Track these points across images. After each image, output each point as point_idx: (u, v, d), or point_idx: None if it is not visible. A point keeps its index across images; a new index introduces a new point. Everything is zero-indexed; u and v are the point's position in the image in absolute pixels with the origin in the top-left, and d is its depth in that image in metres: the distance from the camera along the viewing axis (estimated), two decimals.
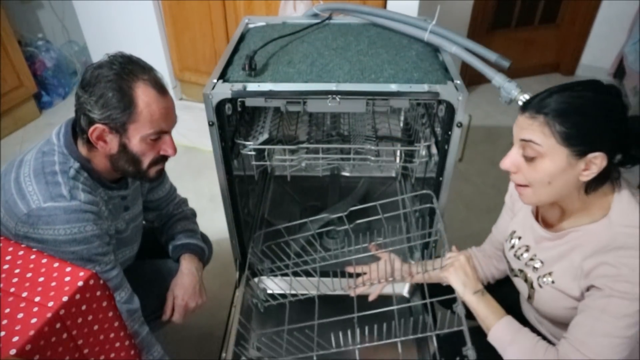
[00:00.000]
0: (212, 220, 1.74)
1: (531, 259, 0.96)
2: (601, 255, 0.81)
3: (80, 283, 0.84)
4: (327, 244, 1.56)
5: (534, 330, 0.94)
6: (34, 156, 0.96)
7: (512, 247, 1.02)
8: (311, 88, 1.07)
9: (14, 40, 2.54)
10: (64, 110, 2.86)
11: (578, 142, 0.77)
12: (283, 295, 1.32)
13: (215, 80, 1.10)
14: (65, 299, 0.81)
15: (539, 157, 0.81)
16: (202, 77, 2.70)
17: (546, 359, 0.85)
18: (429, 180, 1.37)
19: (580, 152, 0.78)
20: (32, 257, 0.89)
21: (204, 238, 1.35)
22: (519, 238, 1.01)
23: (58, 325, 0.80)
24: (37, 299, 0.80)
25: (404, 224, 1.52)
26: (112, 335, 0.94)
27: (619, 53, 2.90)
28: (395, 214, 1.21)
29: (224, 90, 1.06)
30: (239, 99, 1.10)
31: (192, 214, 1.35)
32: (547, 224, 0.95)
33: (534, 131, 0.80)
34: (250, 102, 1.11)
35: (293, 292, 1.31)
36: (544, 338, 0.92)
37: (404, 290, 1.44)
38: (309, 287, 1.29)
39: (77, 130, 0.98)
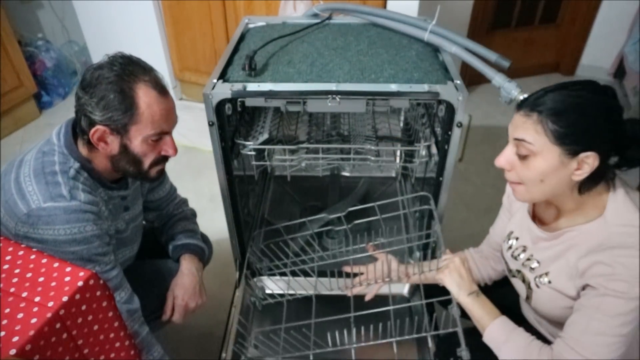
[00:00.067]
0: (212, 220, 1.74)
1: (528, 259, 0.96)
2: (596, 255, 0.81)
3: (80, 283, 0.84)
4: (326, 244, 1.56)
5: (531, 330, 0.95)
6: (34, 156, 0.96)
7: (510, 247, 1.03)
8: (311, 88, 1.07)
9: (14, 40, 2.54)
10: (64, 110, 2.86)
11: (570, 141, 0.78)
12: (281, 294, 1.33)
13: (215, 80, 1.10)
14: (65, 299, 0.81)
15: (532, 156, 0.82)
16: (202, 77, 2.70)
17: (540, 358, 0.86)
18: (429, 180, 1.37)
19: (573, 152, 0.78)
20: (32, 257, 0.89)
21: (204, 238, 1.35)
22: (517, 239, 1.01)
23: (58, 325, 0.80)
24: (37, 299, 0.80)
25: (403, 225, 1.53)
26: (112, 335, 0.94)
27: (619, 53, 2.89)
28: (394, 214, 1.22)
29: (224, 90, 1.06)
30: (239, 99, 1.10)
31: (193, 214, 1.35)
32: (543, 224, 0.95)
33: (527, 129, 0.81)
34: (250, 102, 1.11)
35: (291, 291, 1.31)
36: (544, 338, 0.92)
37: (404, 290, 1.44)
38: (306, 286, 1.29)
39: (77, 130, 0.98)
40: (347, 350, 1.05)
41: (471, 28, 2.79)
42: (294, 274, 1.30)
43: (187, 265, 1.21)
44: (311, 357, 1.08)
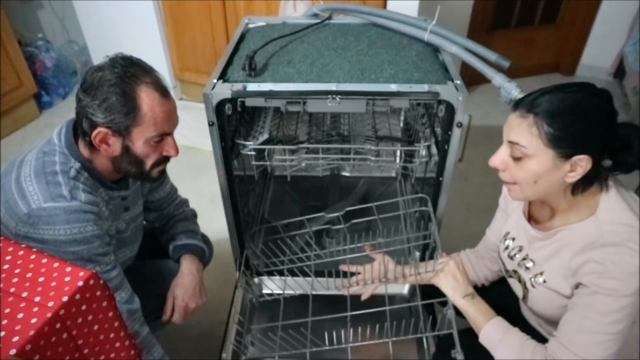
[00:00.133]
0: (212, 220, 1.74)
1: (524, 259, 0.97)
2: (588, 253, 0.82)
3: (80, 283, 0.84)
4: (325, 243, 1.56)
5: (528, 330, 0.95)
6: (34, 156, 0.96)
7: (507, 248, 1.03)
8: (311, 88, 1.07)
9: (14, 40, 2.54)
10: (64, 110, 2.86)
11: (564, 144, 0.78)
12: (279, 293, 1.33)
13: (215, 80, 1.10)
14: (65, 299, 0.81)
15: (526, 157, 0.82)
16: (202, 77, 2.69)
17: (534, 358, 0.86)
18: (429, 180, 1.37)
19: (566, 154, 0.79)
20: (32, 257, 0.89)
21: (205, 239, 1.35)
22: (513, 239, 1.02)
23: (58, 325, 0.80)
24: (37, 299, 0.80)
25: (402, 225, 1.53)
26: (112, 335, 0.94)
27: (619, 53, 2.89)
28: (392, 215, 1.22)
29: (224, 90, 1.06)
30: (239, 99, 1.10)
31: (193, 215, 1.35)
32: (538, 224, 0.96)
33: (522, 132, 0.81)
34: (250, 102, 1.11)
35: (289, 289, 1.31)
36: (543, 338, 0.92)
37: (404, 290, 1.45)
38: (304, 285, 1.30)
39: (78, 131, 0.98)
40: (344, 349, 1.05)
41: (471, 28, 2.79)
42: (291, 272, 1.30)
43: (188, 266, 1.21)
44: (308, 355, 1.08)
